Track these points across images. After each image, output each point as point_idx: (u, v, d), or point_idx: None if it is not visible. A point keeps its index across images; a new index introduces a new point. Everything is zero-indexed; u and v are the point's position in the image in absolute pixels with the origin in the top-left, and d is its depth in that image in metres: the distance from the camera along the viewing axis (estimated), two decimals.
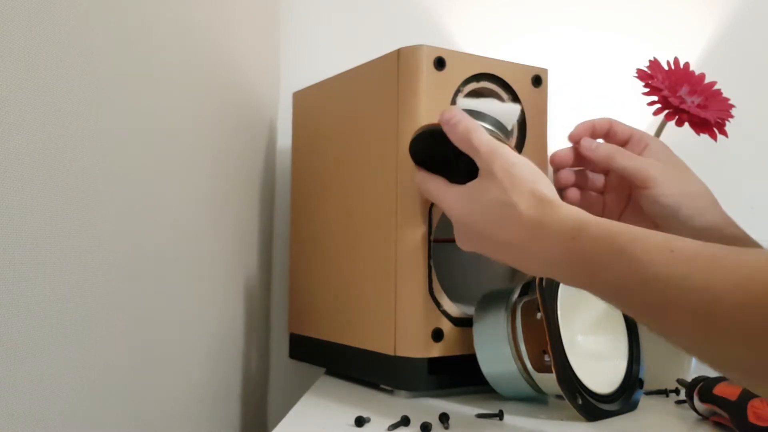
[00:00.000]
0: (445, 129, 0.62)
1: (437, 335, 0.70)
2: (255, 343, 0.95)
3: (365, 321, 0.75)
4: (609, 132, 0.71)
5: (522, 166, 0.57)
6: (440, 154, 0.63)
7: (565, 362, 0.62)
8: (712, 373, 0.70)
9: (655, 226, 0.65)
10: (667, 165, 0.67)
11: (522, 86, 0.76)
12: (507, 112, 0.67)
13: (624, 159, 0.67)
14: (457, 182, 0.62)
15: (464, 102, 0.67)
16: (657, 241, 0.46)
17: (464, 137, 0.60)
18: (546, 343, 0.64)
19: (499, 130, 0.65)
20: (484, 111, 0.65)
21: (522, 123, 0.77)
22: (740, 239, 0.64)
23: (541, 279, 0.64)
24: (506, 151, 0.58)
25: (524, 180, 0.56)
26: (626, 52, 1.12)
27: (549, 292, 0.64)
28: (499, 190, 0.56)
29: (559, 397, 0.70)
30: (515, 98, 0.76)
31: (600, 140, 0.72)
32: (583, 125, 0.71)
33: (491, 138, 0.60)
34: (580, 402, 0.62)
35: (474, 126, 0.60)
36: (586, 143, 0.69)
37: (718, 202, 0.67)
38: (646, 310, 0.46)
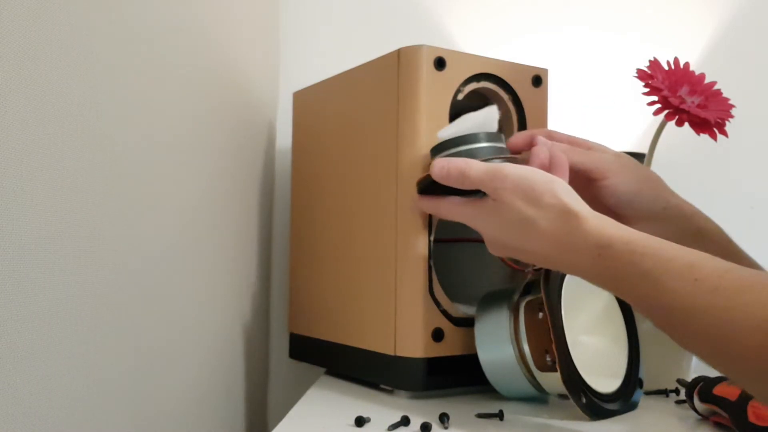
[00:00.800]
0: (443, 183, 0.62)
1: (437, 335, 0.70)
2: (255, 343, 0.95)
3: (365, 321, 0.75)
4: (549, 139, 0.69)
5: (533, 177, 0.56)
6: (450, 189, 0.63)
7: (569, 361, 0.62)
8: (712, 373, 0.70)
9: (615, 216, 0.66)
10: (616, 155, 0.67)
11: (522, 86, 0.76)
12: (486, 118, 0.66)
13: (579, 155, 0.66)
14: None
15: (444, 133, 0.66)
16: (681, 265, 0.47)
17: (462, 179, 0.60)
18: (548, 343, 0.64)
19: (494, 141, 0.64)
20: (465, 130, 0.64)
21: (522, 123, 0.77)
22: (697, 216, 0.66)
23: (546, 278, 0.64)
24: (511, 169, 0.58)
25: (542, 192, 0.55)
26: (626, 52, 1.12)
27: (553, 291, 0.64)
28: (516, 208, 0.56)
29: (561, 396, 0.70)
30: (515, 98, 0.76)
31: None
32: (523, 134, 0.69)
33: (485, 164, 0.59)
34: (584, 401, 0.62)
35: (463, 164, 0.60)
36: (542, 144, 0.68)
37: (669, 187, 0.68)
38: (670, 330, 0.49)
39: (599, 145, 0.69)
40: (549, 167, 0.62)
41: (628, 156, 0.68)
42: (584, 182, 0.66)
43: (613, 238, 0.51)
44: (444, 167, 0.62)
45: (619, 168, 0.66)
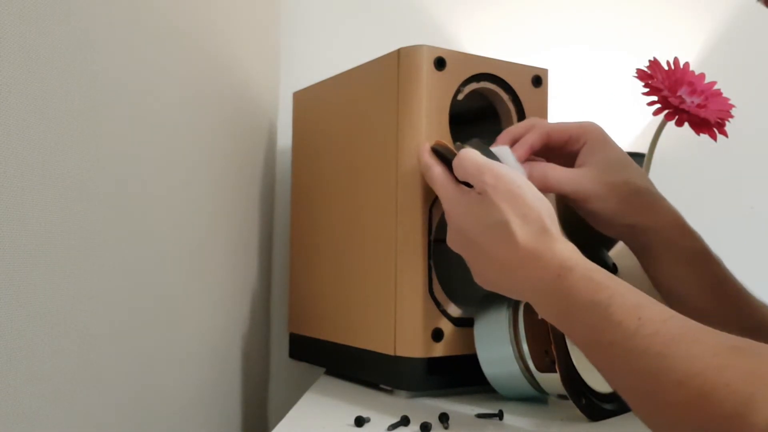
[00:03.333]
0: (457, 174, 0.61)
1: (437, 335, 0.70)
2: (255, 343, 0.95)
3: (365, 321, 0.75)
4: (547, 145, 0.67)
5: (527, 189, 0.56)
6: None
7: (569, 362, 0.62)
8: None
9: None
10: (603, 168, 0.65)
11: (522, 86, 0.76)
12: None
13: (562, 178, 0.64)
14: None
15: (498, 150, 0.64)
16: (630, 303, 0.47)
17: (465, 170, 0.60)
18: (548, 343, 0.64)
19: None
20: (502, 157, 0.63)
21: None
22: (680, 227, 0.65)
23: None
24: (507, 171, 0.58)
25: (530, 206, 0.55)
26: (626, 52, 1.12)
27: None
28: (500, 209, 0.56)
29: (561, 396, 0.70)
30: (515, 98, 0.76)
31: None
32: (515, 133, 0.67)
33: (481, 158, 0.59)
34: (584, 402, 0.62)
35: (469, 153, 0.60)
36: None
37: (660, 196, 0.66)
38: (606, 367, 0.49)
39: (596, 141, 0.66)
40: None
41: (617, 159, 0.66)
42: (566, 198, 0.66)
43: (578, 263, 0.51)
44: (457, 160, 0.61)
45: (600, 191, 0.64)
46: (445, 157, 0.64)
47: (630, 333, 0.45)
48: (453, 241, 0.61)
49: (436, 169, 0.64)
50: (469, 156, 0.60)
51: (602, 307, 0.48)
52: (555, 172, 0.65)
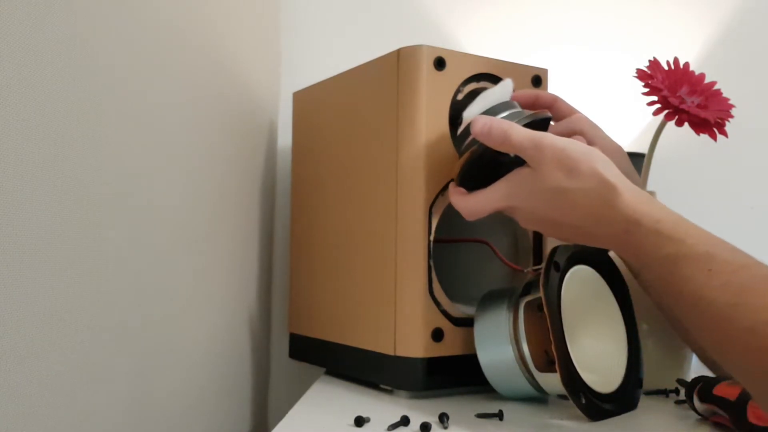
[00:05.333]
0: (482, 140, 0.61)
1: (437, 335, 0.70)
2: (255, 343, 0.95)
3: (365, 321, 0.75)
4: (552, 108, 0.72)
5: (571, 148, 0.57)
6: (494, 167, 0.63)
7: (568, 362, 0.62)
8: (711, 374, 0.70)
9: None
10: (604, 135, 0.70)
11: (522, 86, 0.76)
12: (503, 92, 0.66)
13: (581, 124, 0.70)
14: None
15: (470, 112, 0.66)
16: (700, 252, 0.48)
17: (503, 140, 0.60)
18: (548, 343, 0.64)
19: (514, 108, 0.65)
20: (489, 104, 0.65)
21: None
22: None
23: (545, 278, 0.64)
24: (552, 140, 0.57)
25: (579, 162, 0.55)
26: (626, 52, 1.12)
27: (552, 291, 0.64)
28: (553, 178, 0.56)
29: (561, 396, 0.70)
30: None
31: None
32: (527, 93, 0.72)
33: (528, 131, 0.59)
34: (583, 402, 0.62)
35: (507, 125, 0.60)
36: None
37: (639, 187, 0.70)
38: (680, 314, 0.50)
39: (594, 127, 0.72)
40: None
41: (613, 142, 0.71)
42: None
43: (644, 216, 0.52)
44: (486, 125, 0.61)
45: (599, 137, 0.69)
46: (472, 162, 0.63)
47: (699, 284, 0.46)
48: (527, 222, 0.62)
49: (472, 200, 0.63)
50: (516, 130, 0.59)
51: (671, 261, 0.49)
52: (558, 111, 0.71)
